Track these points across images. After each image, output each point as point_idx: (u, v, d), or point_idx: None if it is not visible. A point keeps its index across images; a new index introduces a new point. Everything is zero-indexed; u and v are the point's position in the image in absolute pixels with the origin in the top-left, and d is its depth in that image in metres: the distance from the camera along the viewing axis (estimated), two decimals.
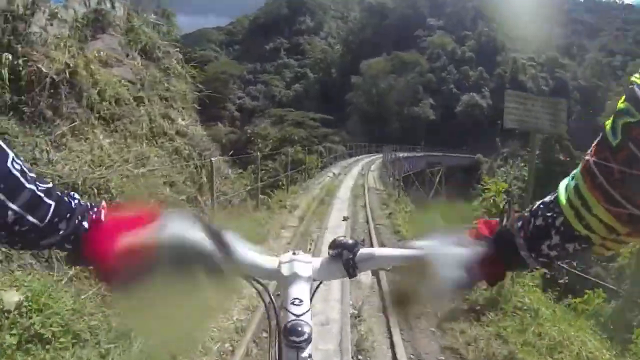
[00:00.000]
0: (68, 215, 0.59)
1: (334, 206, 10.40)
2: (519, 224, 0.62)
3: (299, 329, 0.59)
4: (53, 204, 0.57)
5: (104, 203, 0.64)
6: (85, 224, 0.60)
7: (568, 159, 31.72)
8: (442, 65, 66.60)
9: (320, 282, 0.71)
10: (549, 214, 0.58)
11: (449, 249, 0.63)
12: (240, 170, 11.32)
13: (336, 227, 7.96)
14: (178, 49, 8.67)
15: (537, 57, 75.14)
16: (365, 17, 74.35)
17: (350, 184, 15.05)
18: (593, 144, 0.52)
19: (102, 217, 0.62)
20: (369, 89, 58.53)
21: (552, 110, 4.66)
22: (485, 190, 5.72)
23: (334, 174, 17.43)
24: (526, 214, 0.62)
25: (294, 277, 0.64)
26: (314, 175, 16.91)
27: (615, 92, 69.71)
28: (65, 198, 0.60)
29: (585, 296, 5.03)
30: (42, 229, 0.56)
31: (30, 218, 0.54)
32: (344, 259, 0.66)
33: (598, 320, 4.68)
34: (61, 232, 0.58)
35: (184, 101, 7.79)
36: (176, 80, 7.86)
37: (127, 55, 6.67)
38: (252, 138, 27.51)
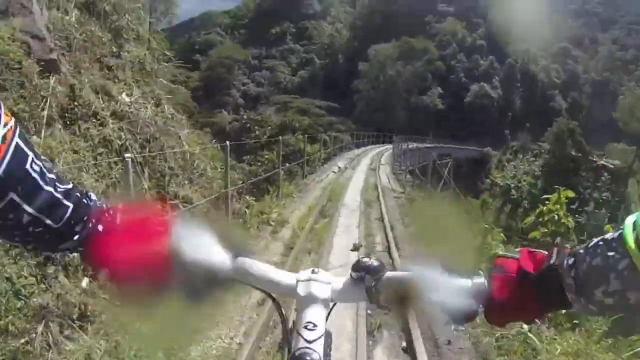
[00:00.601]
0: (85, 218, 0.59)
1: (339, 220, 7.73)
2: (571, 260, 0.55)
3: (307, 358, 0.56)
4: (71, 206, 0.57)
5: (120, 204, 0.63)
6: (100, 227, 0.60)
7: (580, 154, 29.70)
8: (451, 53, 64.81)
9: (335, 303, 0.67)
10: (609, 254, 0.50)
11: (476, 277, 0.60)
12: (234, 162, 9.84)
13: (343, 264, 5.23)
14: (141, 5, 7.06)
15: (549, 48, 73.74)
16: (374, 2, 72.32)
17: (359, 183, 12.62)
18: None
19: (117, 220, 0.61)
20: (376, 76, 56.63)
21: None
22: (495, 186, 5.02)
23: (339, 168, 15.78)
24: (581, 251, 0.55)
25: (310, 298, 0.61)
26: (315, 169, 14.80)
27: (626, 87, 71.39)
28: (84, 199, 0.59)
29: None
30: (57, 231, 0.56)
31: (46, 220, 0.54)
32: (367, 285, 0.62)
33: None
34: (76, 237, 0.58)
35: (140, 72, 6.16)
36: (135, 44, 6.34)
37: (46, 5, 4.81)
38: (249, 125, 25.73)
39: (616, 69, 76.54)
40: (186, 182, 5.49)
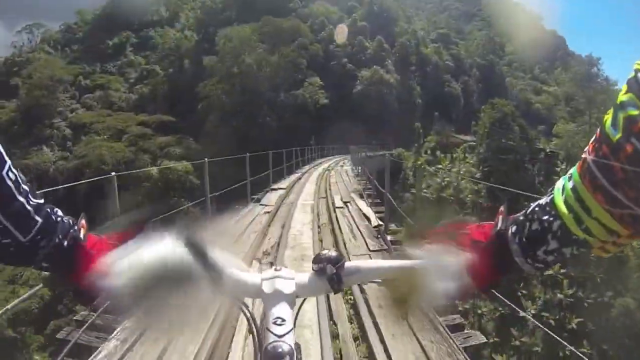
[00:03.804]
0: (52, 234, 0.58)
1: None
2: (514, 228, 0.59)
3: (279, 350, 0.57)
4: (40, 221, 0.56)
5: (83, 221, 0.64)
6: (65, 243, 0.59)
7: (515, 143, 25.01)
8: (328, 36, 52.19)
9: (305, 299, 0.70)
10: (545, 218, 0.55)
11: (439, 259, 0.63)
12: None
13: None
14: None
15: (429, 35, 68.76)
16: None
17: None
18: (590, 141, 0.49)
19: (82, 235, 0.62)
20: (229, 71, 40.62)
21: None
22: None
23: None
24: (521, 218, 0.59)
25: (276, 294, 0.63)
26: None
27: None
28: (52, 216, 0.59)
29: None
30: (23, 245, 0.55)
31: (14, 231, 0.54)
32: (328, 274, 0.65)
33: None
34: (41, 251, 0.57)
35: None
36: None
37: None
38: None
39: (495, 52, 77.53)
40: None
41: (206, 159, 7.06)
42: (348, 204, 8.79)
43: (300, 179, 14.41)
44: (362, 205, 8.59)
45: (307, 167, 19.22)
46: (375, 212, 7.72)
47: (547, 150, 26.99)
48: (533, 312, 13.19)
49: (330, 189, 11.54)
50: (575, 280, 13.15)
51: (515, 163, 25.28)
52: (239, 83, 39.98)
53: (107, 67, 61.67)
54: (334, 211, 8.04)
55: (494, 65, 71.33)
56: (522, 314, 9.92)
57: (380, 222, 6.80)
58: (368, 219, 7.32)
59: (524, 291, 13.18)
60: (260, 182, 11.66)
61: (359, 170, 17.15)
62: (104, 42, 64.41)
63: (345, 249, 5.37)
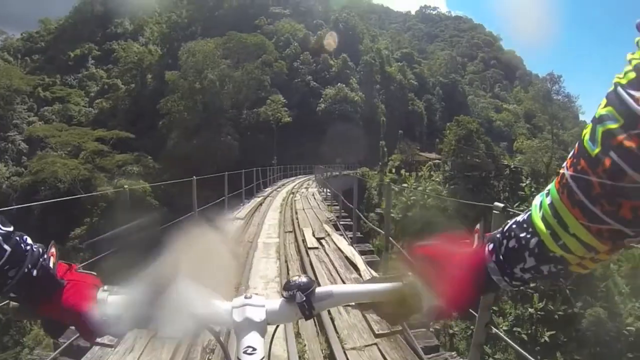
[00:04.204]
0: (20, 263, 0.56)
1: None
2: (491, 246, 0.59)
3: None
4: (9, 250, 0.55)
5: (52, 249, 0.62)
6: (35, 272, 0.58)
7: (480, 160, 25.68)
8: (293, 53, 52.30)
9: (278, 326, 0.70)
10: (522, 235, 0.55)
11: (412, 280, 0.64)
12: None
13: None
14: None
15: (393, 54, 70.42)
16: (193, 9, 57.90)
17: None
18: (568, 156, 0.49)
19: (51, 264, 0.60)
20: (191, 86, 39.67)
21: None
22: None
23: None
24: (498, 235, 0.59)
25: (247, 323, 0.63)
26: None
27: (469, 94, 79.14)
28: (22, 244, 0.58)
29: None
30: None
31: None
32: (298, 301, 0.64)
33: None
34: (9, 281, 0.56)
35: None
36: None
37: None
38: None
39: (457, 71, 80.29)
40: None
41: (194, 177, 6.93)
42: (323, 241, 7.16)
43: (261, 204, 12.97)
44: (342, 243, 6.91)
45: (269, 190, 17.92)
46: (362, 254, 6.28)
47: (512, 166, 27.56)
48: (505, 328, 13.29)
49: (297, 218, 9.96)
50: (544, 293, 13.38)
51: (481, 179, 25.88)
52: (200, 100, 39.24)
53: (67, 79, 59.77)
54: (307, 254, 6.28)
55: (456, 84, 73.70)
56: (494, 331, 10.64)
57: (375, 274, 4.94)
58: (355, 266, 5.49)
59: (494, 307, 13.27)
60: (215, 209, 10.17)
61: (327, 193, 16.30)
62: (66, 53, 62.25)
63: (337, 334, 3.43)
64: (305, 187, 20.62)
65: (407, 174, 27.78)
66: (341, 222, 9.24)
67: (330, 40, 52.41)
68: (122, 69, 53.86)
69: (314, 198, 15.10)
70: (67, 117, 50.83)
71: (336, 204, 12.98)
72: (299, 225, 8.82)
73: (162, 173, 28.16)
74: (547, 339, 12.95)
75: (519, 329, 13.35)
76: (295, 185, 21.39)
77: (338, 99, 46.14)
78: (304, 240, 7.17)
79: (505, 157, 31.54)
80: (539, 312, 13.30)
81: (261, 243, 7.32)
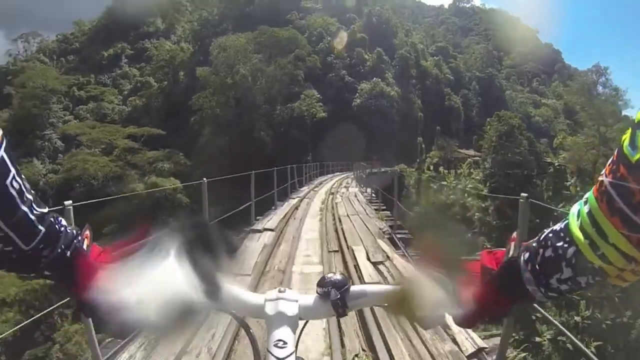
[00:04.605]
0: (54, 243, 0.59)
1: None
2: (526, 255, 0.58)
3: None
4: (43, 230, 0.56)
5: (87, 232, 0.64)
6: (68, 253, 0.60)
7: (523, 158, 24.14)
8: (326, 47, 50.69)
9: (307, 321, 0.69)
10: (559, 244, 0.53)
11: (448, 285, 0.61)
12: None
13: None
14: None
15: (427, 48, 68.08)
16: (225, 6, 57.47)
17: None
18: (607, 163, 0.47)
19: (85, 246, 0.62)
20: (223, 82, 38.51)
21: None
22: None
23: None
24: (534, 244, 0.58)
25: (279, 316, 0.63)
26: None
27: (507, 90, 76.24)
28: (56, 225, 0.59)
29: None
30: (26, 254, 0.56)
31: (17, 240, 0.54)
32: (333, 298, 0.64)
33: None
34: (43, 260, 0.58)
35: None
36: None
37: None
38: None
39: (493, 65, 77.02)
40: None
41: (205, 179, 5.99)
42: (381, 267, 5.32)
43: (297, 208, 11.25)
44: (407, 269, 4.91)
45: (305, 190, 16.32)
46: None
47: (556, 163, 25.78)
48: (549, 336, 12.03)
49: (342, 229, 7.91)
50: (592, 300, 12.21)
51: (523, 178, 24.05)
52: (233, 95, 38.33)
53: (101, 78, 60.83)
54: None
55: (492, 78, 70.66)
56: (537, 339, 9.35)
57: (485, 346, 3.26)
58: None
59: (538, 314, 12.18)
60: (241, 216, 8.03)
61: (371, 194, 15.03)
62: (100, 53, 63.61)
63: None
64: (345, 187, 19.21)
65: (447, 171, 26.28)
66: (398, 234, 7.44)
67: (339, 41, 50.67)
68: (155, 67, 54.32)
69: (357, 200, 13.51)
70: (101, 115, 52.03)
71: (384, 207, 11.51)
72: (346, 241, 6.86)
73: (193, 170, 27.47)
74: (593, 349, 11.54)
75: (563, 338, 12.01)
76: (333, 184, 20.00)
77: (374, 93, 44.46)
78: (356, 267, 5.31)
79: (548, 155, 29.69)
80: (585, 320, 12.01)
81: (297, 274, 5.23)
